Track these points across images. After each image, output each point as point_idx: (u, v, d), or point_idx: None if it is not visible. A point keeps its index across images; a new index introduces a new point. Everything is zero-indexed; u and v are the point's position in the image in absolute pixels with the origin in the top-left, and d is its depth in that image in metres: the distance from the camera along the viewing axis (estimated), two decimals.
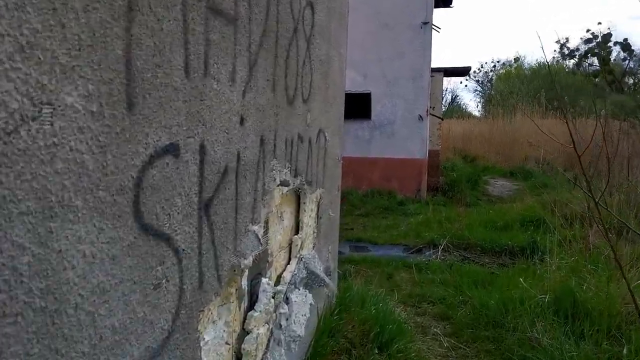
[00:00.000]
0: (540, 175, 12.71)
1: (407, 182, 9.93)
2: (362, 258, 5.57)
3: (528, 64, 40.36)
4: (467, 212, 7.80)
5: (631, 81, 42.92)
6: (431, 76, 10.47)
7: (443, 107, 18.36)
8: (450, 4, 18.07)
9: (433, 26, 12.26)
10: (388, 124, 10.00)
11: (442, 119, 12.61)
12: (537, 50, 71.49)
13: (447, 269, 5.22)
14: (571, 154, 14.25)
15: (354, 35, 10.01)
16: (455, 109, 41.72)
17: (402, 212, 8.41)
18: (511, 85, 27.44)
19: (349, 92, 10.17)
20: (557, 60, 40.21)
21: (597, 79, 39.97)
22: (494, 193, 10.82)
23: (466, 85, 46.36)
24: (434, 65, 12.32)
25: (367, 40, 9.92)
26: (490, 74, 44.48)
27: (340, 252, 5.86)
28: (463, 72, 12.95)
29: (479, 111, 42.48)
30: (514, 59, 43.57)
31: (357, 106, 10.63)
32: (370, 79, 10.01)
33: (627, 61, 42.46)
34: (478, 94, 46.39)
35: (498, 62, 44.32)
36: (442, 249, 6.03)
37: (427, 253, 5.97)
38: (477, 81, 45.25)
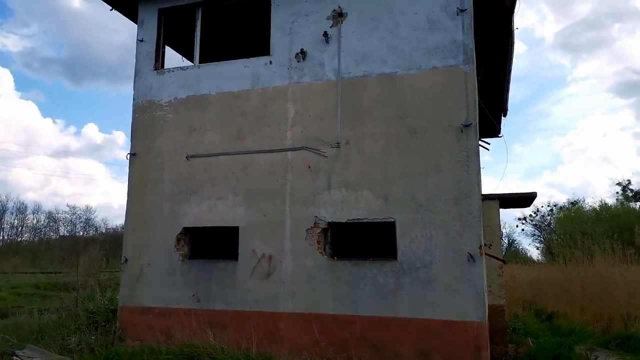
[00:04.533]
0: None
1: None
2: None
3: (590, 206, 35.84)
4: None
5: None
6: (482, 200, 6.99)
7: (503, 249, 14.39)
8: (499, 133, 15.20)
9: (481, 141, 9.11)
10: (422, 266, 6.36)
11: (505, 262, 8.77)
12: (591, 193, 66.32)
13: None
14: None
15: (369, 145, 6.98)
16: (514, 254, 36.73)
17: None
18: (581, 226, 23.02)
19: (362, 220, 6.82)
20: (622, 202, 35.61)
21: None
22: None
23: (523, 229, 41.33)
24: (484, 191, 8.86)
25: (389, 150, 6.82)
26: (548, 217, 40.01)
27: None
28: (526, 200, 9.40)
29: (539, 255, 37.21)
30: (572, 202, 39.33)
31: (376, 241, 7.18)
32: (393, 202, 6.66)
33: None
34: (537, 239, 41.41)
35: (555, 205, 40.12)
36: None
37: None
38: (535, 225, 40.68)
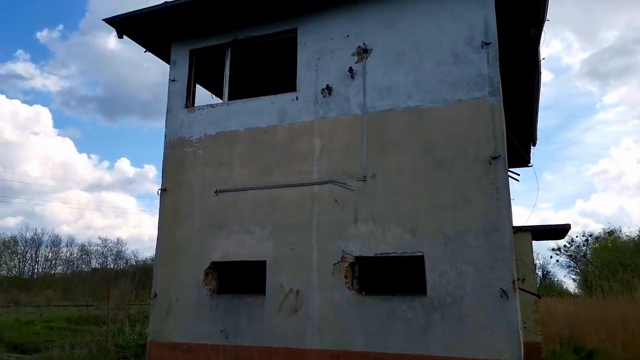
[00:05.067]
0: None
1: None
2: None
3: (627, 236, 34.42)
4: None
5: None
6: (513, 233, 6.84)
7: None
8: (529, 162, 14.97)
9: (510, 172, 8.96)
10: (453, 302, 6.21)
11: (539, 296, 8.48)
12: (628, 222, 63.91)
13: None
14: None
15: (396, 178, 6.96)
16: (549, 286, 35.43)
17: None
18: (619, 257, 22.12)
19: (390, 254, 6.74)
20: None
21: None
22: None
23: (557, 261, 39.86)
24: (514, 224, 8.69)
25: (416, 183, 6.79)
26: (584, 248, 38.60)
27: None
28: (559, 232, 9.13)
29: (576, 287, 35.81)
30: (608, 232, 37.90)
31: (404, 275, 7.06)
32: (421, 236, 6.58)
33: None
34: (572, 270, 39.90)
35: (590, 235, 38.72)
36: None
37: None
38: (570, 256, 39.26)
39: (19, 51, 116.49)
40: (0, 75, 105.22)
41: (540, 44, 8.53)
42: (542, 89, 10.23)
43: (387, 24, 7.47)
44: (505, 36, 7.53)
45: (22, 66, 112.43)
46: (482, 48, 6.78)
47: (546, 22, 7.80)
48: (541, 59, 9.14)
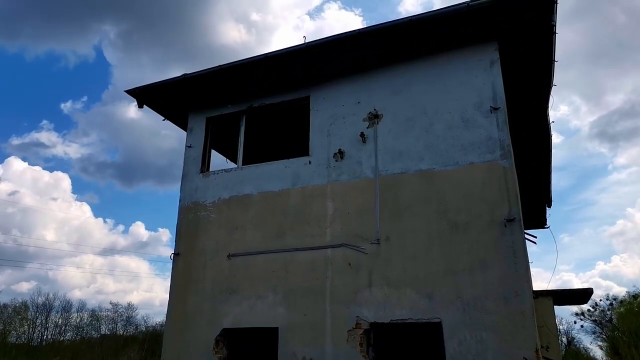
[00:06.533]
0: None
1: None
2: None
3: None
4: None
5: None
6: (534, 297, 6.60)
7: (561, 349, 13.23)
8: (545, 224, 14.75)
9: (527, 234, 8.80)
10: None
11: None
12: None
13: None
14: None
15: (410, 241, 6.87)
16: (574, 354, 33.64)
17: None
18: None
19: (406, 320, 6.50)
20: None
21: None
22: None
23: (582, 326, 38.04)
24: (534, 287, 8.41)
25: (431, 246, 6.68)
26: (609, 312, 36.98)
27: None
28: (582, 296, 8.79)
29: (604, 355, 33.91)
30: (633, 295, 36.43)
31: (422, 343, 6.76)
32: (438, 301, 6.37)
33: None
34: (598, 336, 37.97)
35: (614, 299, 37.21)
36: None
37: None
38: (595, 321, 37.54)
39: (44, 121, 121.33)
40: (24, 143, 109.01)
41: (549, 108, 8.68)
42: (553, 151, 10.27)
43: (396, 91, 7.69)
44: (514, 100, 7.68)
45: (45, 135, 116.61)
46: (491, 113, 6.90)
47: (553, 86, 7.97)
48: (550, 121, 9.25)
